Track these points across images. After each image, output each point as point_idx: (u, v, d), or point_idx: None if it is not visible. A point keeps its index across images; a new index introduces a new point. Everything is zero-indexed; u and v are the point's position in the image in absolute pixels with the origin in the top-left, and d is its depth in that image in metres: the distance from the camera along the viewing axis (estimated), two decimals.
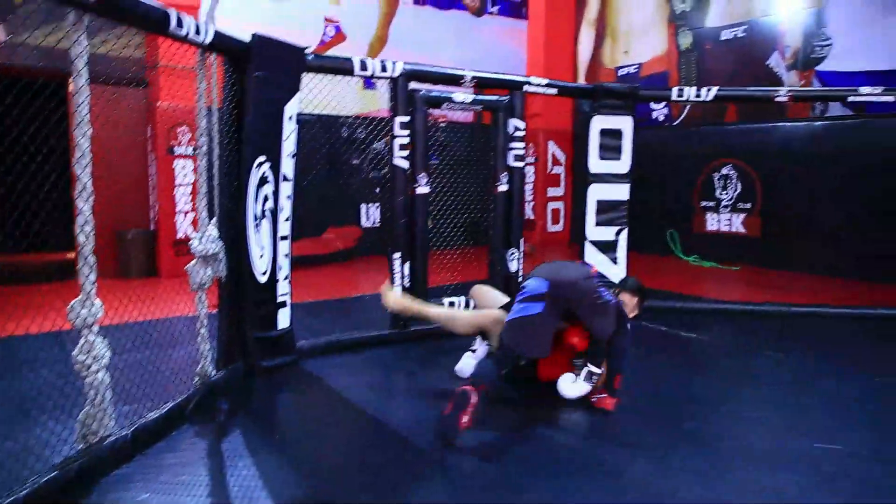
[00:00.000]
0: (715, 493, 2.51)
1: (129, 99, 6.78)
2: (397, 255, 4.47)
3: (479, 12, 9.86)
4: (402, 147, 4.39)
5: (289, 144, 3.92)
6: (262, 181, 3.79)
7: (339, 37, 8.55)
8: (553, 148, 9.57)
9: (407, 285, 4.54)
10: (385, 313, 4.51)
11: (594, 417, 3.22)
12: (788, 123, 7.72)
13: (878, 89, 5.23)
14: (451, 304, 4.74)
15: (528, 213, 9.63)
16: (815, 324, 5.17)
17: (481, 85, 4.80)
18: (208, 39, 3.10)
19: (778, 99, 5.38)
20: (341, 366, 4.05)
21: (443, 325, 3.56)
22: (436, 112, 4.93)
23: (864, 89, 5.28)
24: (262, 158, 3.75)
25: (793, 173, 7.49)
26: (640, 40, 9.46)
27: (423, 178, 4.52)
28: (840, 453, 2.82)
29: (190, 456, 2.76)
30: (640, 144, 8.82)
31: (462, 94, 4.65)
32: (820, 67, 7.55)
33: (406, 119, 4.38)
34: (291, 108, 3.89)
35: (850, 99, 5.39)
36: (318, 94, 4.47)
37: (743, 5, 8.29)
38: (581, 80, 10.08)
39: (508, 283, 5.02)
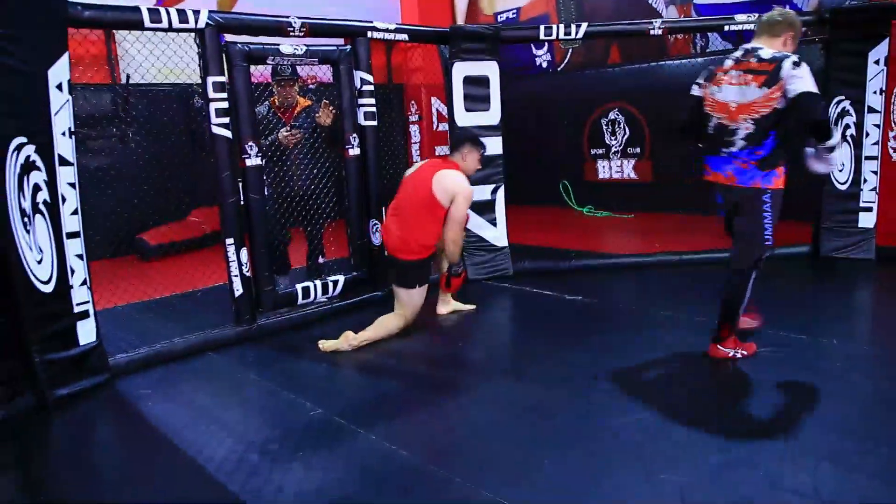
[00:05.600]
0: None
1: None
2: (230, 241, 3.76)
3: None
4: (221, 112, 3.63)
5: (62, 119, 3.10)
6: (27, 168, 2.98)
7: None
8: (437, 104, 8.93)
9: (248, 275, 3.84)
10: (231, 310, 3.83)
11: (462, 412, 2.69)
12: (671, 62, 7.36)
13: (754, 16, 4.84)
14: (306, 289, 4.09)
15: None
16: (706, 271, 4.83)
17: (316, 33, 4.06)
18: None
19: (652, 32, 4.91)
20: (165, 382, 3.34)
21: (407, 320, 3.77)
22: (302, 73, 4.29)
23: (740, 17, 4.89)
24: (20, 140, 2.93)
25: (677, 113, 7.14)
26: None
27: (251, 148, 3.78)
28: (733, 433, 2.40)
29: None
30: (526, 93, 8.41)
31: (291, 46, 3.90)
32: (697, 0, 7.18)
33: (221, 79, 3.62)
34: (59, 74, 3.06)
35: (727, 28, 4.97)
36: (157, 59, 3.87)
37: None
38: None
39: (372, 258, 4.42)
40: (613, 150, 7.95)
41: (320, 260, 4.77)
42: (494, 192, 4.93)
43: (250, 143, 3.79)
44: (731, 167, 2.99)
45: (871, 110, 4.75)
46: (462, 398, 2.96)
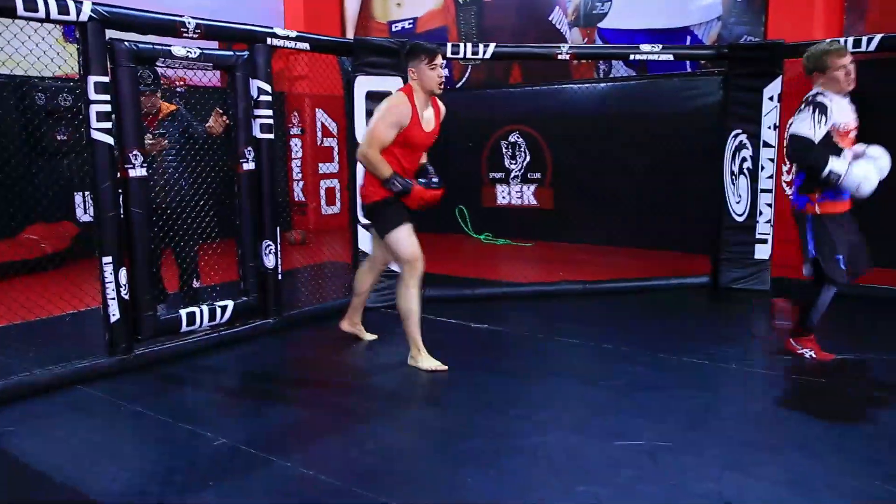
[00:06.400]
0: None
1: None
2: (107, 260, 3.85)
3: None
4: (102, 116, 3.76)
5: None
6: None
7: None
8: (323, 117, 9.22)
9: (126, 298, 3.93)
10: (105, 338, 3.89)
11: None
12: (574, 86, 8.11)
13: (658, 47, 5.58)
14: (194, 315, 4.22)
15: (299, 194, 9.24)
16: (610, 300, 5.44)
17: (211, 35, 4.28)
18: None
19: (560, 57, 5.52)
20: (31, 417, 3.37)
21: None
22: (171, 73, 4.43)
23: (645, 47, 5.60)
24: None
25: (582, 139, 7.87)
26: None
27: (136, 157, 3.92)
28: (643, 449, 2.86)
29: None
30: None
31: (184, 49, 4.10)
32: (602, 24, 8.01)
33: (103, 79, 3.75)
34: None
35: (632, 57, 5.69)
36: None
37: None
38: (350, 37, 9.80)
39: (264, 283, 4.62)
40: (513, 174, 8.56)
41: (195, 284, 4.89)
42: None
43: (134, 152, 3.93)
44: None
45: (766, 144, 5.58)
46: (377, 424, 3.25)
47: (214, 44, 5.62)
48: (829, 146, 3.59)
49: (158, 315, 4.14)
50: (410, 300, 3.86)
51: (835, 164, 3.53)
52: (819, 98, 3.59)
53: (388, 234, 3.81)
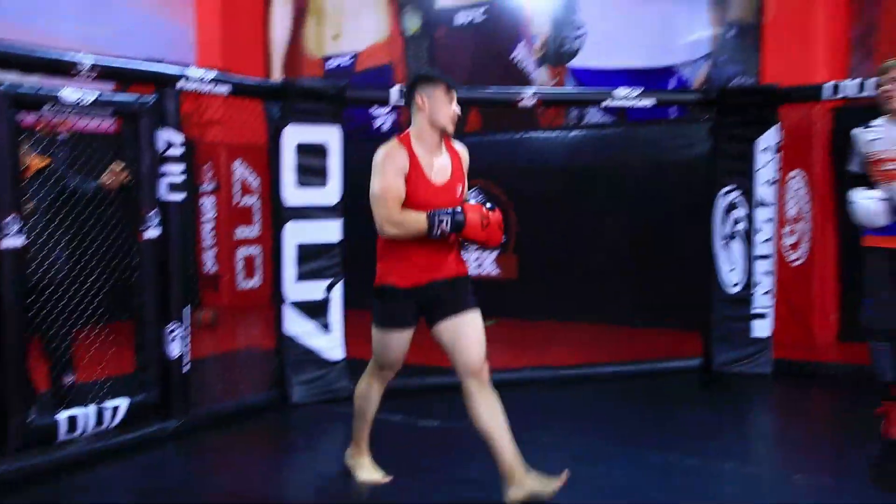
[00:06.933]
0: None
1: None
2: None
3: None
4: None
5: None
6: None
7: None
8: (242, 170, 9.30)
9: None
10: None
11: None
12: (542, 134, 8.37)
13: (636, 91, 5.84)
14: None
15: (210, 264, 9.21)
16: (585, 389, 5.54)
17: (110, 76, 4.38)
18: None
19: (523, 103, 5.74)
20: None
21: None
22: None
23: (621, 91, 5.84)
24: None
25: (551, 196, 8.08)
26: (355, 22, 9.70)
27: (13, 223, 3.93)
28: None
29: None
30: (359, 163, 9.00)
31: (77, 91, 4.17)
32: (574, 63, 8.34)
33: None
34: None
35: (606, 104, 5.94)
36: None
37: None
38: (277, 75, 10.02)
39: (167, 376, 4.59)
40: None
41: (67, 380, 4.63)
42: (330, 289, 5.35)
43: (11, 217, 3.93)
44: None
45: (763, 204, 5.83)
46: None
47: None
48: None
49: (30, 421, 4.07)
50: (369, 400, 3.82)
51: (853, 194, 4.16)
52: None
53: (376, 328, 3.66)
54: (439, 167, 3.53)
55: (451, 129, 3.54)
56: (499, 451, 3.46)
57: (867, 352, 4.33)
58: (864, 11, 6.88)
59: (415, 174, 3.44)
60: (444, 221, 3.32)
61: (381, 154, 3.48)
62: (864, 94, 5.35)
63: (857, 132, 4.29)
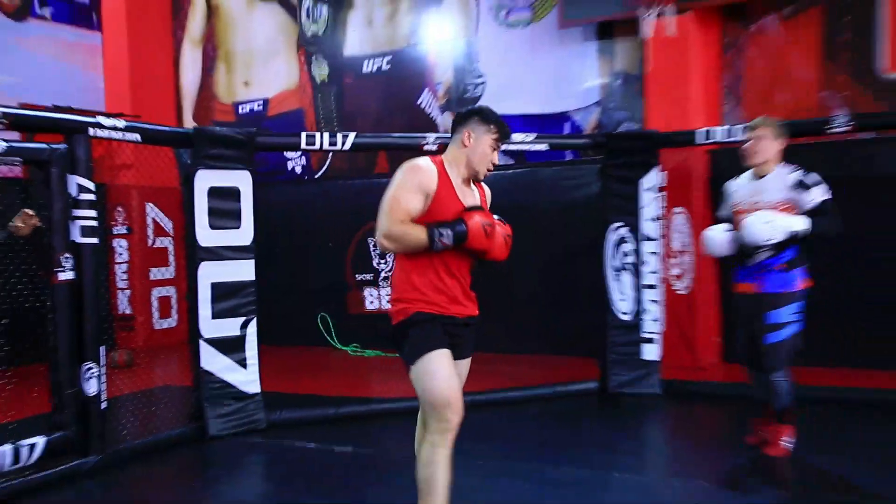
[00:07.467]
0: None
1: None
2: None
3: (21, 14, 9.16)
4: None
5: None
6: None
7: None
8: (155, 212, 9.34)
9: None
10: None
11: None
12: None
13: (531, 136, 6.21)
14: None
15: (125, 306, 9.18)
16: (493, 412, 5.82)
17: (20, 126, 4.48)
18: None
19: (426, 147, 6.03)
20: None
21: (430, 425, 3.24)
22: None
23: (517, 136, 6.19)
24: None
25: None
26: (265, 68, 9.91)
27: None
28: None
29: None
30: (274, 203, 9.19)
31: None
32: None
33: None
34: None
35: (503, 148, 6.25)
36: None
37: (386, 31, 9.24)
38: (187, 118, 10.14)
39: (85, 414, 4.67)
40: (383, 275, 8.95)
41: None
42: (245, 326, 5.48)
43: None
44: None
45: (649, 238, 6.25)
46: None
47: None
48: None
49: None
50: (436, 466, 3.17)
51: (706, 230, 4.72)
52: None
53: (414, 363, 3.18)
54: (469, 195, 3.35)
55: (482, 176, 3.37)
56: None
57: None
58: (733, 64, 7.46)
59: (445, 194, 3.22)
60: (444, 235, 3.13)
61: (404, 166, 3.24)
62: (732, 139, 5.82)
63: (728, 183, 4.67)
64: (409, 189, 3.17)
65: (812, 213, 4.24)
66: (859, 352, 6.36)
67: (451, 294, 3.26)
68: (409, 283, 3.24)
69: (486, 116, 3.34)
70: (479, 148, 3.29)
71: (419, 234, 3.11)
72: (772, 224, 4.22)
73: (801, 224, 4.21)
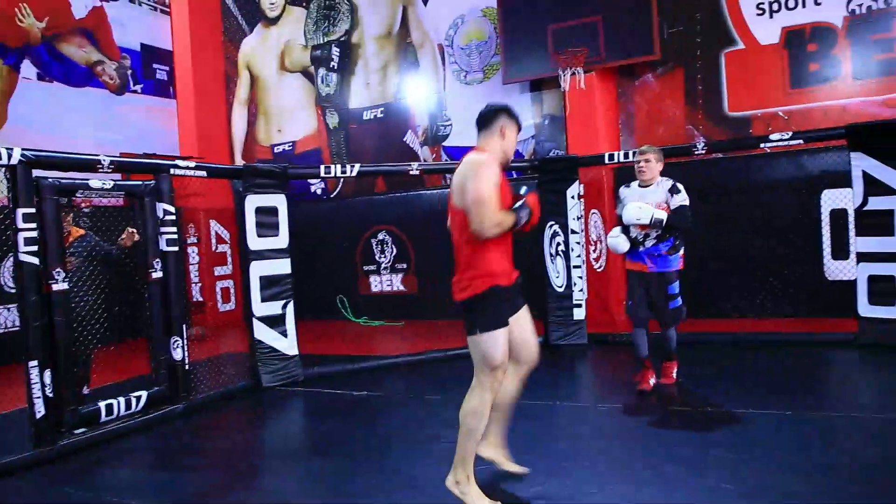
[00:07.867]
0: None
1: None
2: (34, 363, 3.93)
3: (121, 90, 9.30)
4: (29, 241, 3.93)
5: None
6: None
7: None
8: (216, 227, 9.39)
9: (51, 396, 4.00)
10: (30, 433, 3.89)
11: None
12: (427, 192, 8.82)
13: None
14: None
15: (197, 295, 9.24)
16: (465, 364, 5.90)
17: (123, 170, 4.56)
18: None
19: (411, 172, 6.16)
20: None
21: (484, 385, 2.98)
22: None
23: None
24: None
25: (437, 234, 8.44)
26: (292, 119, 9.95)
27: (59, 274, 4.08)
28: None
29: None
30: (303, 216, 9.28)
31: (99, 181, 4.36)
32: (446, 143, 8.84)
33: (30, 210, 3.94)
34: None
35: None
36: None
37: (379, 90, 9.33)
38: (238, 158, 10.18)
39: (174, 374, 4.77)
40: (383, 266, 9.06)
41: (85, 391, 4.59)
42: (285, 307, 5.59)
43: (57, 269, 4.08)
44: None
45: (574, 231, 6.41)
46: (273, 477, 3.51)
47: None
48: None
49: (79, 409, 4.20)
50: (481, 409, 2.96)
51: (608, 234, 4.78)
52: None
53: (487, 331, 2.91)
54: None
55: (509, 163, 3.10)
56: (461, 445, 3.00)
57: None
58: (625, 107, 7.66)
59: (503, 183, 2.95)
60: (524, 217, 2.91)
61: (478, 162, 2.90)
62: (628, 160, 5.99)
63: (621, 188, 4.68)
64: (492, 184, 2.84)
65: (674, 211, 4.38)
66: (719, 308, 6.69)
67: (510, 266, 3.03)
68: (485, 261, 2.91)
69: (511, 111, 3.08)
70: (511, 139, 3.06)
71: (511, 219, 2.87)
72: (642, 209, 4.36)
73: (662, 215, 4.33)
